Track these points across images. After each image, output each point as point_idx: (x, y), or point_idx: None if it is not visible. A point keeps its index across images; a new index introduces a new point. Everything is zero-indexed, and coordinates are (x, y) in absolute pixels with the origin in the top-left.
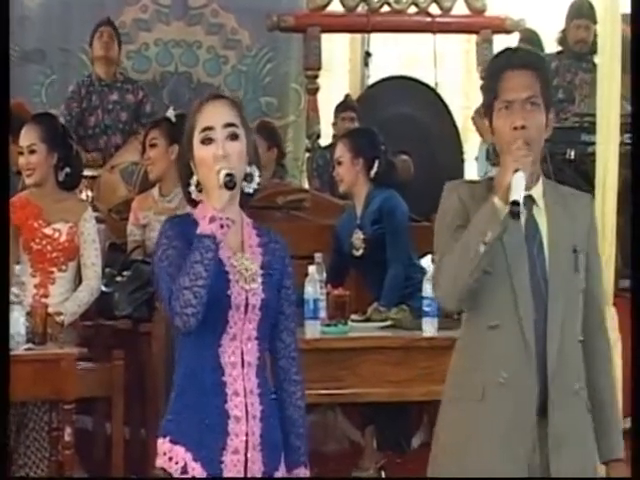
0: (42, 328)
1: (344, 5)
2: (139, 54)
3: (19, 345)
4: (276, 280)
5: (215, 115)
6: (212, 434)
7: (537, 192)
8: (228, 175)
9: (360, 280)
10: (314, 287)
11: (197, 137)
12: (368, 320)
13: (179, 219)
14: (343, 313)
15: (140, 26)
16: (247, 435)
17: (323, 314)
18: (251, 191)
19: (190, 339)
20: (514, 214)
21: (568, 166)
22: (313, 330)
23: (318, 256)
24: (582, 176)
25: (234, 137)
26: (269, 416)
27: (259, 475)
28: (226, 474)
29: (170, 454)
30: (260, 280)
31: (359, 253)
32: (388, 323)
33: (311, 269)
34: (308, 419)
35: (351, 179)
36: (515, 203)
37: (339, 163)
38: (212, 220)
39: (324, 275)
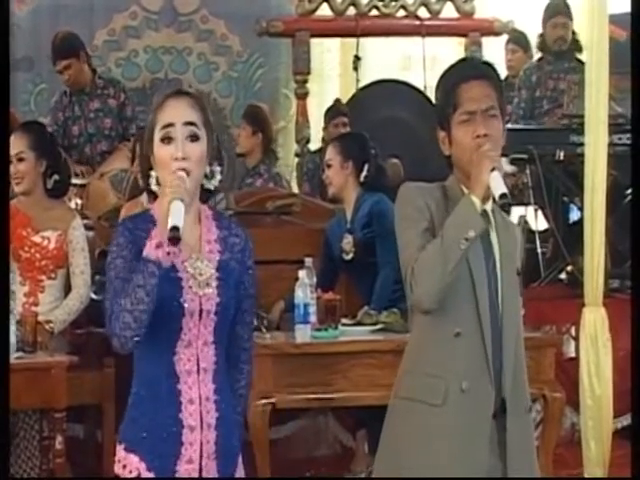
0: (32, 337)
1: (333, 9)
2: (128, 61)
3: (9, 354)
4: (234, 280)
5: (176, 112)
6: (166, 443)
7: (489, 208)
8: (173, 229)
9: (350, 284)
10: (304, 291)
11: (157, 135)
12: (359, 324)
13: (134, 221)
14: (333, 317)
15: (129, 33)
16: (201, 444)
17: (313, 319)
18: (212, 187)
19: (145, 347)
20: (505, 206)
21: (557, 167)
22: (303, 335)
23: (308, 260)
24: (571, 177)
25: (194, 138)
26: (225, 423)
27: None
28: None
29: (124, 462)
30: (215, 284)
31: (349, 257)
32: (379, 327)
33: (301, 273)
34: (300, 424)
35: (340, 182)
36: (504, 195)
37: (329, 166)
38: (159, 246)
39: (314, 279)
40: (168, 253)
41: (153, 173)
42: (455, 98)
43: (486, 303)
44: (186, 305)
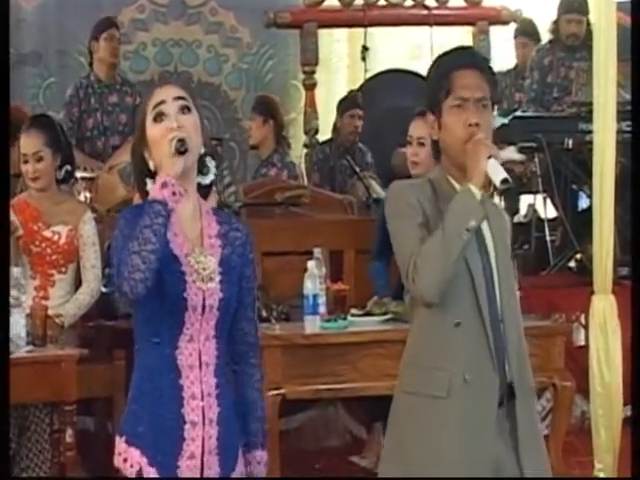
0: (42, 330)
1: (340, 0)
2: (137, 54)
3: (20, 348)
4: (236, 274)
5: (165, 92)
6: (168, 439)
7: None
8: (180, 140)
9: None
10: (313, 282)
11: (149, 117)
12: (368, 314)
13: (136, 209)
14: (343, 308)
15: (137, 26)
16: (203, 440)
17: (323, 309)
18: (208, 182)
19: (147, 340)
20: (507, 191)
21: (566, 155)
22: (312, 325)
23: (317, 251)
24: (580, 165)
25: (186, 110)
26: (227, 418)
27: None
28: None
29: (125, 455)
30: (218, 278)
31: None
32: (388, 317)
33: (310, 264)
34: (309, 414)
35: (429, 165)
36: (505, 180)
37: (421, 144)
38: (164, 185)
39: (323, 270)
40: (174, 193)
41: (149, 181)
42: (449, 84)
43: (484, 291)
44: (189, 299)
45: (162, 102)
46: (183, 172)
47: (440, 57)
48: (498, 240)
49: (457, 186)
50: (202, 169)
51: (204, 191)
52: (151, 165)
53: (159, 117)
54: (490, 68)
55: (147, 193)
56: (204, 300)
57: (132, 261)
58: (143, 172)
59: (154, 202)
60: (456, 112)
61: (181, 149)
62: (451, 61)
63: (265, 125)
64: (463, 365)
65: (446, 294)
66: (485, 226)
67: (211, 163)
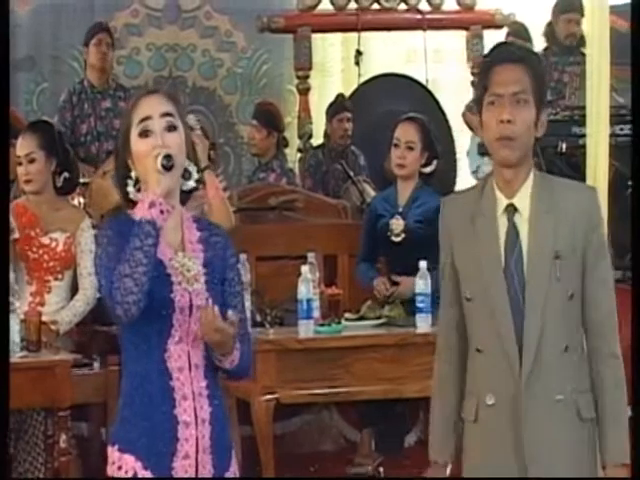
0: (36, 336)
1: (334, 4)
2: (130, 59)
3: (14, 353)
4: (219, 275)
5: (152, 106)
6: (161, 440)
7: (523, 196)
8: (166, 157)
9: (389, 265)
10: (307, 287)
11: (134, 131)
12: (362, 318)
13: (117, 219)
14: (336, 312)
15: (131, 31)
16: (197, 439)
17: (317, 314)
18: (189, 188)
19: (136, 346)
20: None
21: (559, 159)
22: (306, 330)
23: (311, 256)
24: (573, 169)
25: (172, 128)
26: (218, 418)
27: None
28: None
29: (119, 463)
30: (203, 279)
31: (398, 239)
32: (382, 321)
33: (304, 269)
34: (304, 419)
35: (414, 169)
36: None
37: (410, 148)
38: (152, 205)
39: (317, 275)
40: (161, 212)
41: (130, 181)
42: (487, 81)
43: (506, 313)
44: (176, 301)
45: (148, 118)
46: (169, 188)
47: (487, 54)
48: (540, 252)
49: (496, 190)
50: (184, 174)
51: (184, 197)
52: (133, 175)
53: (144, 134)
54: (534, 62)
55: (128, 194)
56: (191, 301)
57: (124, 284)
58: (125, 177)
59: (143, 222)
60: (492, 109)
61: (167, 165)
62: (493, 57)
63: (269, 137)
64: (485, 389)
65: (468, 321)
66: (524, 237)
67: (193, 169)
